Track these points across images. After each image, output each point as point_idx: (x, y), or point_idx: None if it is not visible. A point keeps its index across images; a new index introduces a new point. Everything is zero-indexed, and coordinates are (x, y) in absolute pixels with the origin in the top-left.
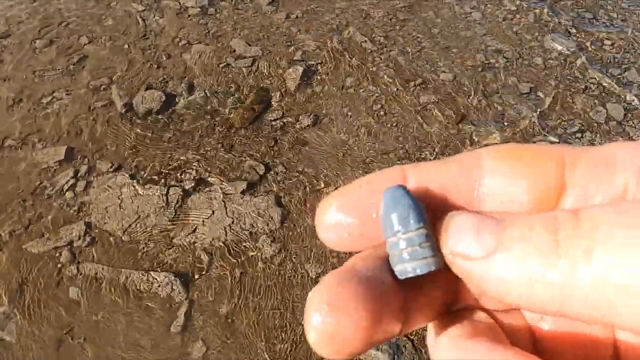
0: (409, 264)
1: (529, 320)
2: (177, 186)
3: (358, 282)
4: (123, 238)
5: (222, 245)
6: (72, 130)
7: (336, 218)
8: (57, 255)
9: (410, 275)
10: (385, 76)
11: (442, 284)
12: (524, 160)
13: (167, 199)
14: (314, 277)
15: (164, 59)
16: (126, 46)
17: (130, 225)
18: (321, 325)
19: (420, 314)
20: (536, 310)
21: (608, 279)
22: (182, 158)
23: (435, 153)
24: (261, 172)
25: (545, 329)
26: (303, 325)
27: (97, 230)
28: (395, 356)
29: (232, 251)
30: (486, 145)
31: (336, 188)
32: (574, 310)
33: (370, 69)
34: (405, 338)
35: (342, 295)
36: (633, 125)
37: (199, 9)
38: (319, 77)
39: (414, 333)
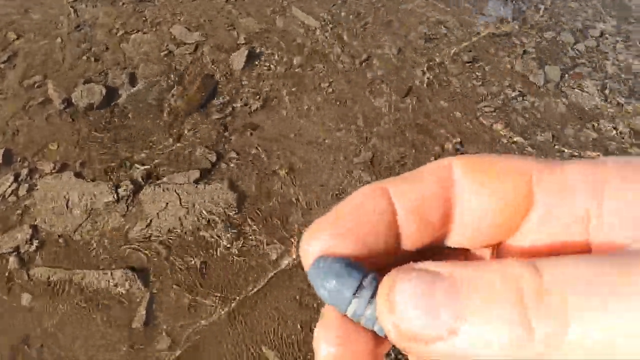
0: (376, 326)
1: None
2: (126, 180)
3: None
4: (74, 238)
5: (179, 236)
6: (8, 131)
7: (321, 248)
8: (3, 262)
9: (382, 334)
10: (331, 54)
11: None
12: (494, 176)
13: (118, 194)
14: (274, 258)
15: (102, 50)
16: (59, 40)
17: (80, 225)
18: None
19: None
20: None
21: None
22: (129, 151)
23: (386, 129)
24: (213, 160)
25: None
26: (267, 309)
27: (44, 233)
28: None
29: (190, 241)
30: (435, 121)
31: (289, 170)
32: None
33: (316, 48)
34: None
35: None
36: (570, 85)
37: None
38: (264, 59)
39: None
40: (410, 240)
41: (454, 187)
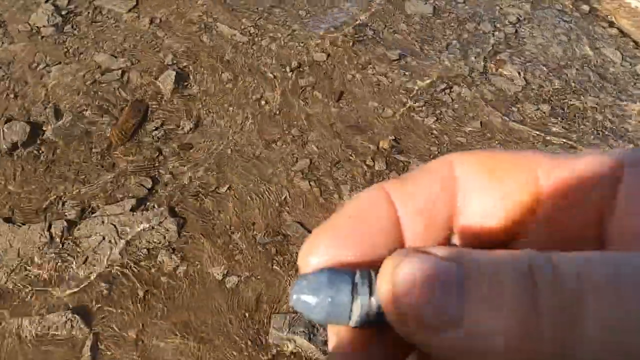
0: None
1: None
2: (59, 219)
3: None
4: (7, 285)
5: (120, 269)
6: None
7: (322, 259)
8: None
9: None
10: (261, 65)
11: None
12: (498, 173)
13: (51, 234)
14: (220, 278)
15: (22, 87)
16: None
17: (13, 271)
18: None
19: None
20: None
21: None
22: (61, 188)
23: (321, 134)
24: (149, 186)
25: None
26: (212, 332)
27: None
28: (312, 335)
29: (131, 273)
30: (368, 122)
31: (229, 187)
32: None
33: (245, 61)
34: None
35: None
36: (493, 72)
37: (52, 29)
38: (194, 78)
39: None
40: (415, 244)
41: (457, 185)
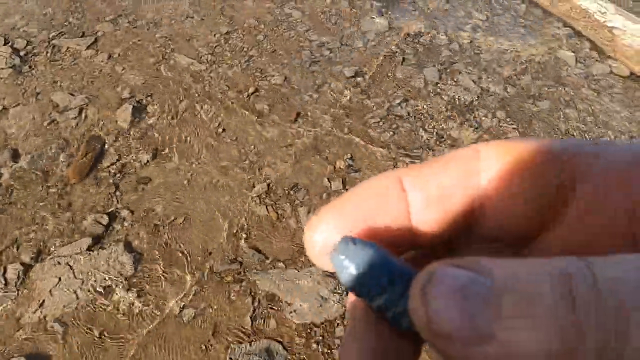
0: (404, 320)
1: None
2: (14, 262)
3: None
4: None
5: (76, 309)
6: None
7: (326, 239)
8: None
9: (412, 330)
10: (219, 93)
11: None
12: (527, 163)
13: (6, 279)
14: (177, 312)
15: None
16: None
17: None
18: None
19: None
20: None
21: None
22: (16, 232)
23: (277, 157)
24: (105, 223)
25: None
26: None
27: None
28: None
29: (87, 313)
30: (325, 142)
31: (185, 218)
32: None
33: (203, 89)
34: (275, 341)
35: None
36: (448, 83)
37: (10, 69)
38: (151, 110)
39: (282, 335)
40: (427, 232)
41: (482, 175)
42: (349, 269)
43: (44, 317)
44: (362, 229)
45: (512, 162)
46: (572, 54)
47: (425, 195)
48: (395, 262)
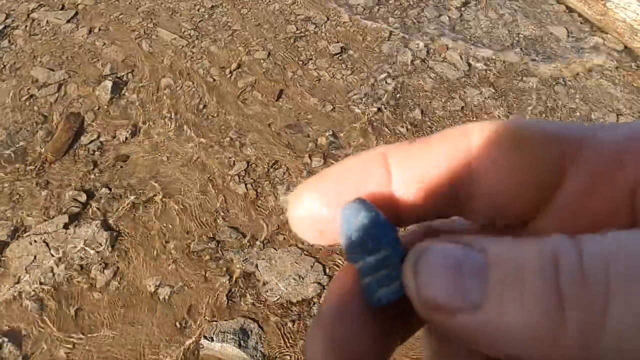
0: (381, 290)
1: None
2: None
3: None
4: None
5: (51, 287)
6: None
7: (309, 211)
8: None
9: (383, 303)
10: (200, 69)
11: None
12: (520, 143)
13: None
14: (152, 290)
15: None
16: None
17: None
18: None
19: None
20: None
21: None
22: None
23: (260, 134)
24: (83, 200)
25: None
26: (148, 346)
27: None
28: (241, 342)
29: (62, 291)
30: (307, 119)
31: (163, 196)
32: None
33: (185, 65)
34: (250, 320)
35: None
36: (436, 59)
37: None
38: (132, 86)
39: (260, 315)
40: (412, 212)
41: (472, 155)
42: (349, 225)
43: (19, 294)
44: (340, 202)
45: (503, 142)
46: (564, 28)
47: (410, 173)
48: (393, 230)
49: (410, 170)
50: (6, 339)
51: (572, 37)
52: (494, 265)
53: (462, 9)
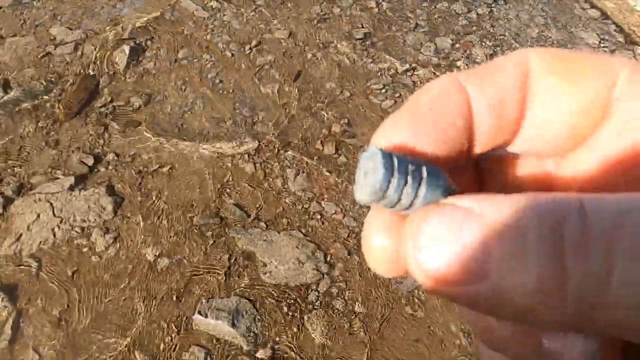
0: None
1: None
2: None
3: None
4: None
5: (51, 247)
6: None
7: (399, 141)
8: None
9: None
10: (220, 43)
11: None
12: (575, 75)
13: None
14: (151, 259)
15: None
16: None
17: None
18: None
19: None
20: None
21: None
22: (1, 164)
23: (274, 115)
24: (90, 164)
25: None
26: (143, 315)
27: None
28: (235, 321)
29: (62, 252)
30: (323, 103)
31: (171, 167)
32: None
33: (204, 38)
34: (246, 299)
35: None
36: (460, 55)
37: (11, 0)
38: (149, 54)
39: (252, 295)
40: (483, 141)
41: (530, 81)
42: (363, 169)
43: (20, 251)
44: (429, 136)
45: (559, 72)
46: (595, 34)
47: (485, 103)
48: (407, 159)
49: (487, 96)
50: (2, 293)
51: (604, 44)
52: (494, 231)
53: (493, 5)
